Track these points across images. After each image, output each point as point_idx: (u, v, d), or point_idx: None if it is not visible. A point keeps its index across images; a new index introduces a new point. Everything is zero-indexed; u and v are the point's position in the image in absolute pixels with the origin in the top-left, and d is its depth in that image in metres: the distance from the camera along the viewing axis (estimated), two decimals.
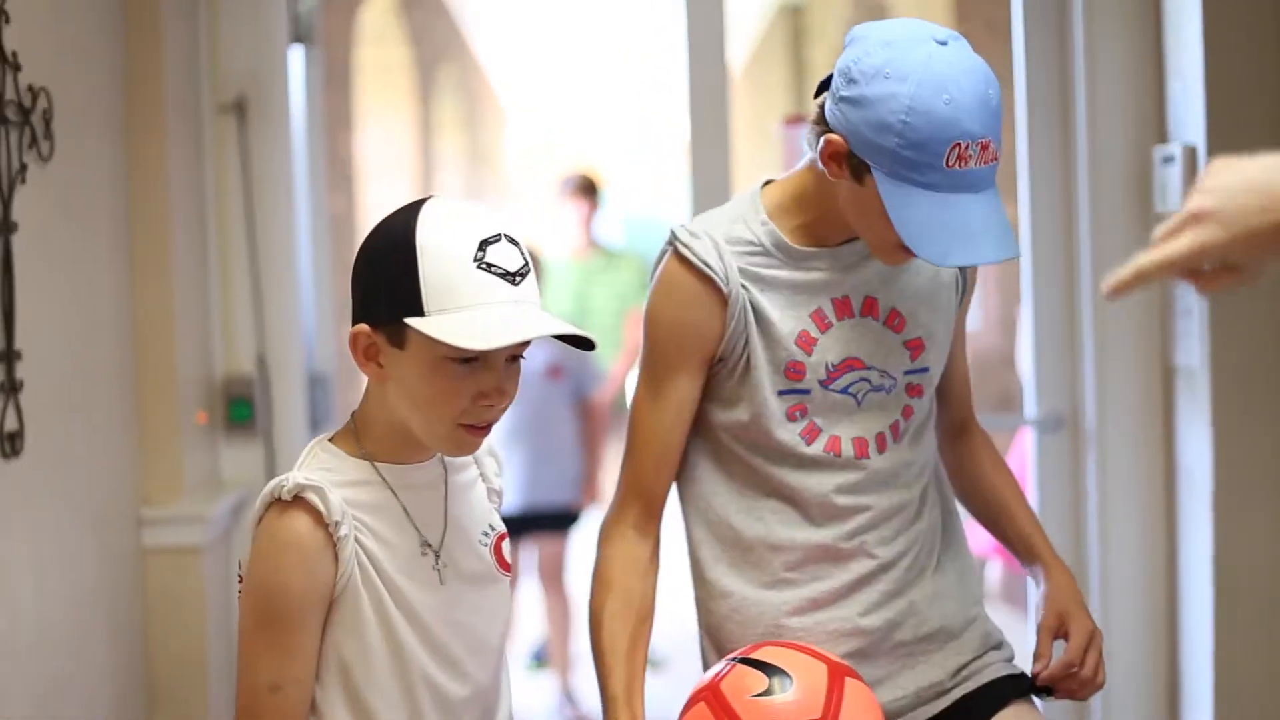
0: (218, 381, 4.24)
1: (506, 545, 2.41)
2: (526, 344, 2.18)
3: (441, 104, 13.14)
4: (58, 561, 3.30)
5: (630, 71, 16.22)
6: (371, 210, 10.07)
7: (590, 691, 6.73)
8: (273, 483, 2.17)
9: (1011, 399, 7.69)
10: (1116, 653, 4.15)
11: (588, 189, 7.23)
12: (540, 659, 7.25)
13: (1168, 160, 3.89)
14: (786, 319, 2.57)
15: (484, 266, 2.13)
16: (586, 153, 18.23)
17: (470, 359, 2.14)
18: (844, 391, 2.60)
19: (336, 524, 2.15)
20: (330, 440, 2.29)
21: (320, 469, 2.22)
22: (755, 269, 2.57)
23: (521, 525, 6.46)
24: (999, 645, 2.77)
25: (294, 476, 2.16)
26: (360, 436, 2.26)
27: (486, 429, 2.23)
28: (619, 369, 7.20)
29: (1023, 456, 5.23)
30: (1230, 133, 3.72)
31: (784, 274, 2.58)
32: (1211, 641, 3.78)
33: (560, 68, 16.02)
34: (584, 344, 2.22)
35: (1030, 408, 4.41)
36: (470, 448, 2.25)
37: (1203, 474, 3.80)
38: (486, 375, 2.16)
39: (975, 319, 4.33)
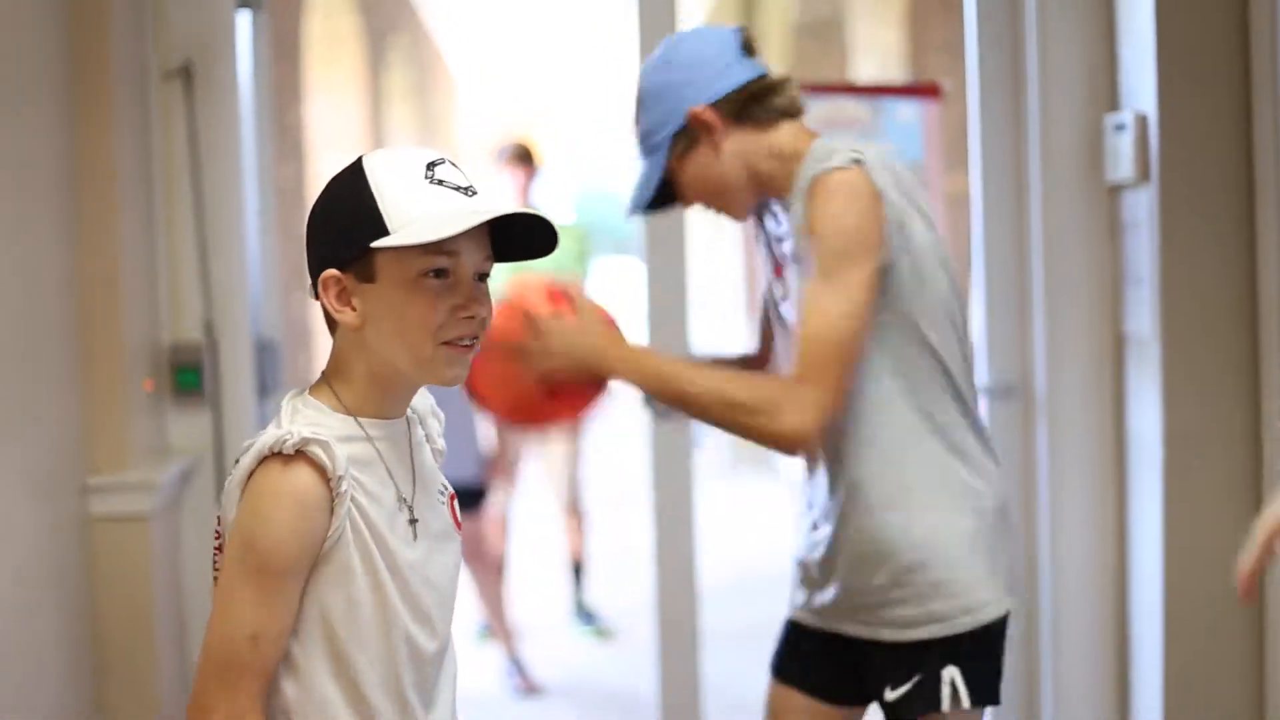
0: (164, 349, 4.20)
1: (456, 505, 2.40)
2: (490, 263, 2.21)
3: (391, 74, 13.06)
4: (1, 529, 3.26)
5: (583, 40, 16.16)
6: (321, 180, 9.98)
7: (537, 660, 6.71)
8: (270, 435, 2.12)
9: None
10: (1067, 622, 4.16)
11: (523, 157, 7.07)
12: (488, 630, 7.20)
13: (1119, 128, 3.89)
14: None
15: (435, 182, 2.16)
16: (538, 123, 18.16)
17: (443, 274, 2.15)
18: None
19: (340, 479, 2.12)
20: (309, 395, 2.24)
21: (308, 425, 2.17)
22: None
23: None
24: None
25: (297, 430, 2.12)
26: (339, 393, 2.24)
27: (470, 347, 2.21)
28: None
29: None
30: (1182, 100, 3.72)
31: None
32: (1162, 611, 3.79)
33: (512, 37, 15.95)
34: (545, 241, 2.22)
35: (981, 375, 4.40)
36: (461, 367, 2.22)
37: (1153, 441, 3.81)
38: (458, 288, 2.18)
39: None
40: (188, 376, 4.19)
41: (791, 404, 2.72)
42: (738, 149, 2.87)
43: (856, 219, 2.73)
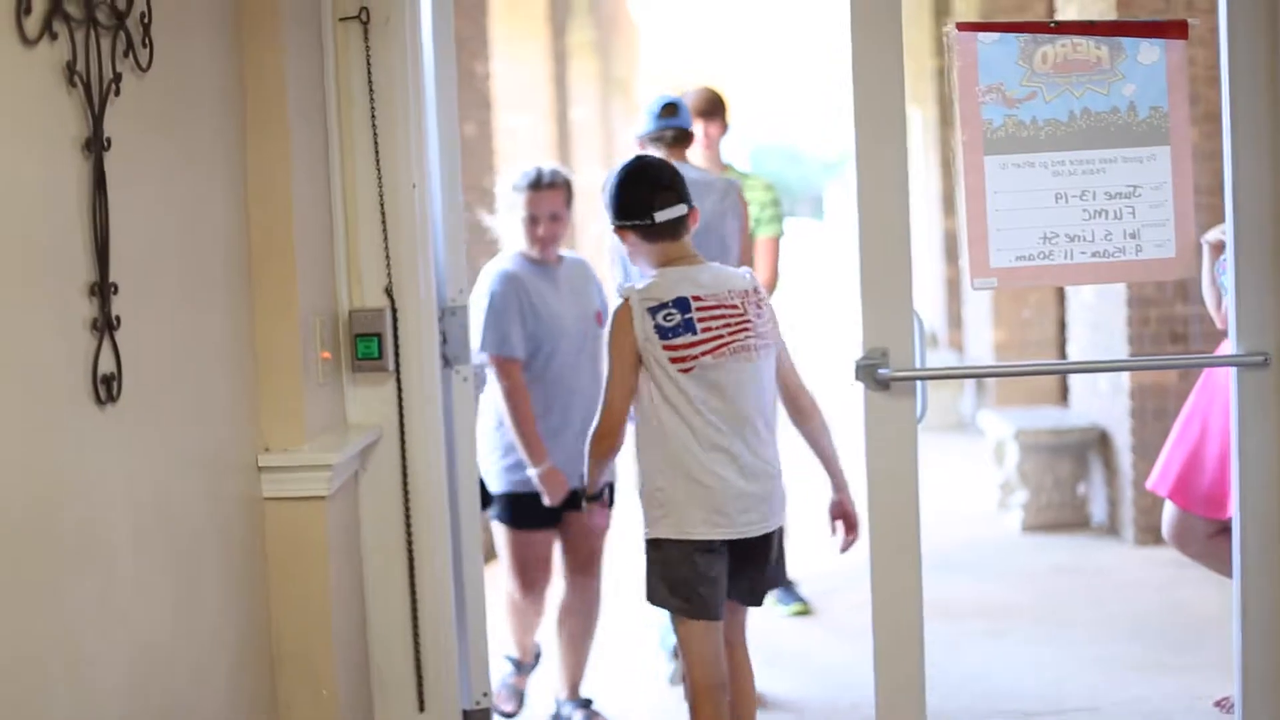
0: (343, 316, 3.91)
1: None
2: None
3: (575, 29, 12.86)
4: (162, 515, 2.99)
5: None
6: (504, 135, 9.76)
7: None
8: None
9: (1180, 334, 7.23)
10: None
11: (712, 108, 6.51)
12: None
13: None
14: None
15: None
16: (718, 78, 17.87)
17: None
18: None
19: None
20: None
21: None
22: None
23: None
24: None
25: None
26: None
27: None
28: None
29: (1213, 391, 4.82)
30: None
31: None
32: None
33: None
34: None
35: (1232, 342, 4.01)
36: None
37: None
38: None
39: (1170, 244, 3.96)
40: (367, 345, 3.90)
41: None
42: None
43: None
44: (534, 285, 5.00)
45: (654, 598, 4.00)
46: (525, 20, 10.84)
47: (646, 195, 4.00)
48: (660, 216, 3.98)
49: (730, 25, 18.08)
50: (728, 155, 6.40)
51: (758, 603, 4.17)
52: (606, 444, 3.99)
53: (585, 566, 5.21)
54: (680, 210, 4.00)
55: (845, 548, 4.26)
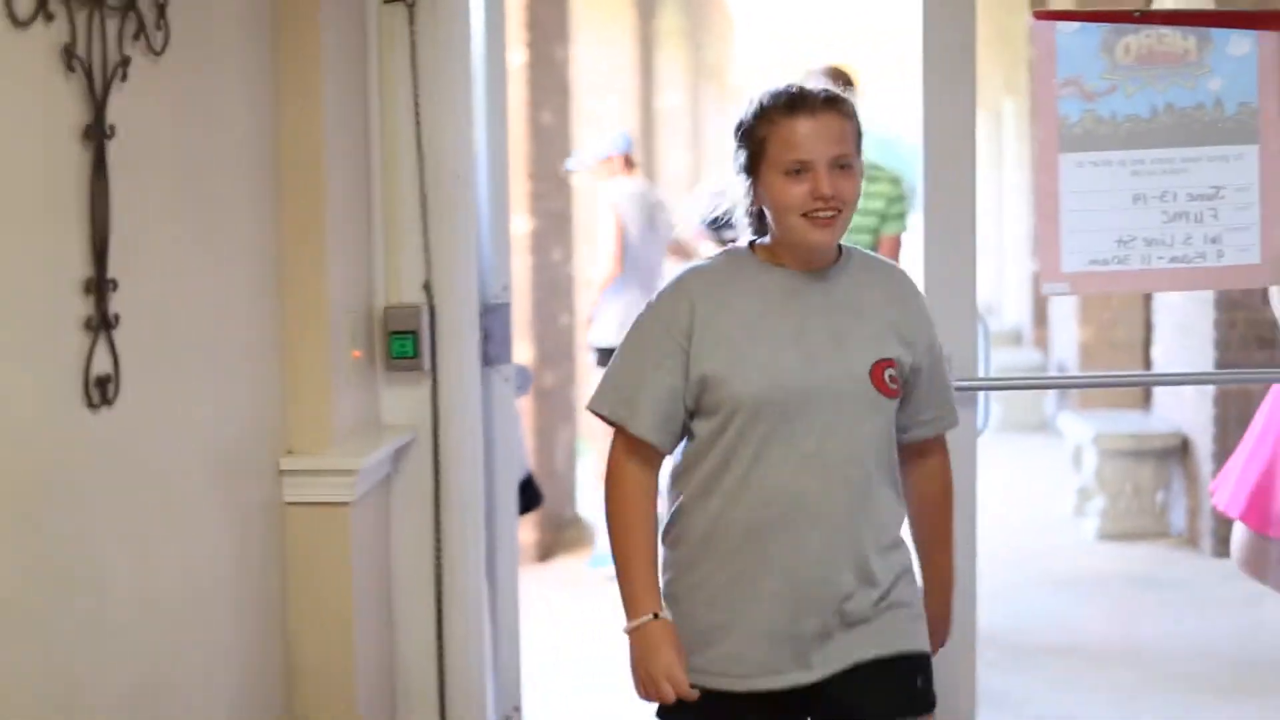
0: (377, 312, 3.74)
1: None
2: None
3: (664, 16, 12.69)
4: (167, 524, 2.83)
5: None
6: (583, 123, 9.59)
7: None
8: None
9: (1268, 338, 6.96)
10: None
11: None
12: None
13: None
14: None
15: None
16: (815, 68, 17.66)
17: None
18: None
19: None
20: None
21: None
22: None
23: None
24: None
25: None
26: None
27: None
28: None
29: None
30: None
31: None
32: None
33: None
34: None
35: None
36: None
37: None
38: None
39: (1255, 250, 3.73)
40: (403, 344, 3.72)
41: None
42: None
43: None
44: (749, 310, 2.77)
45: None
46: (609, 5, 10.68)
47: None
48: None
49: (829, 14, 17.88)
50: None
51: None
52: None
53: None
54: None
55: None
